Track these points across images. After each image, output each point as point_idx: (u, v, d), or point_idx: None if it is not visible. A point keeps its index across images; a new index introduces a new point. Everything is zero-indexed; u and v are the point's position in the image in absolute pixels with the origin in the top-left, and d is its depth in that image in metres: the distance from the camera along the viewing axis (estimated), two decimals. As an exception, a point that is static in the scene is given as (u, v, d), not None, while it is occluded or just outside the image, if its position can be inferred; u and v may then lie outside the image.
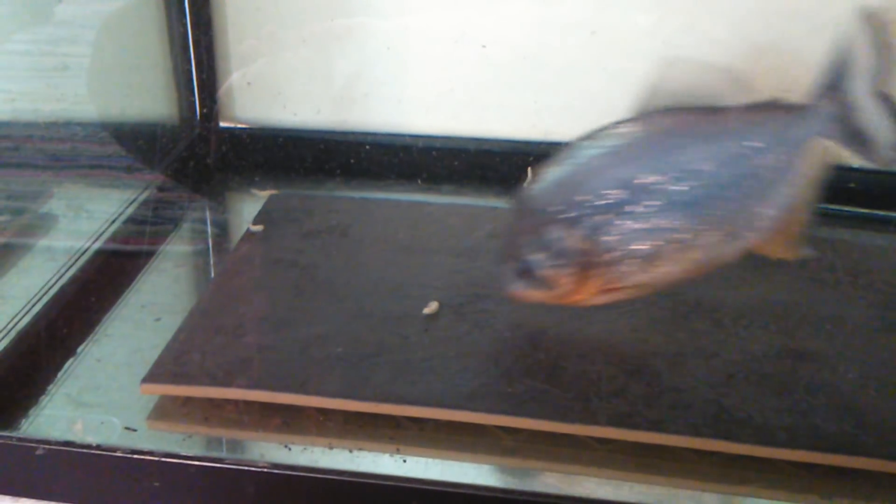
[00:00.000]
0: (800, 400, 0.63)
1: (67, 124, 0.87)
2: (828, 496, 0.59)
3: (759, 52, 0.92)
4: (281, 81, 0.99)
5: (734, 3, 0.91)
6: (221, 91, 0.98)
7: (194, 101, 0.97)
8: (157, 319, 0.74)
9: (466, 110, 0.99)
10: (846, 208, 0.94)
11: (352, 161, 1.00)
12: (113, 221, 0.84)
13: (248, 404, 0.64)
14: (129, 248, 0.84)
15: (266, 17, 0.97)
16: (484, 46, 0.95)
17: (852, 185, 0.94)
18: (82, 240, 0.81)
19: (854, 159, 0.92)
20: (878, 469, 0.59)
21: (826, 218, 0.92)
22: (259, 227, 0.84)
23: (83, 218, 0.86)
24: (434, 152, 0.99)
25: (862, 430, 0.60)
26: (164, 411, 0.64)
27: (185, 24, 0.94)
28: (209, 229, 0.91)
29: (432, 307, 0.71)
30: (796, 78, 0.91)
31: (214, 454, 0.59)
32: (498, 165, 0.99)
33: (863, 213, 0.94)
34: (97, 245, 0.81)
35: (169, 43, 0.95)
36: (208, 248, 0.87)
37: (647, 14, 0.92)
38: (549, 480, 0.60)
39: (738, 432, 0.60)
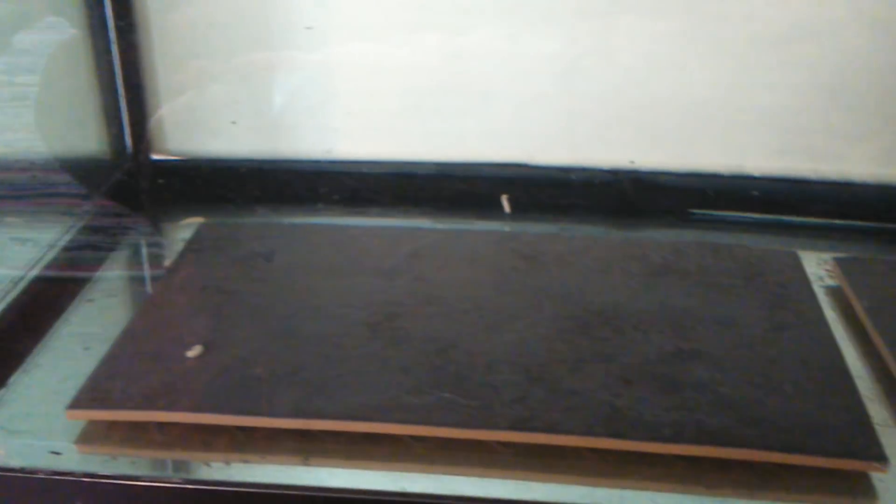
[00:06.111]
0: (687, 398, 0.67)
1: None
2: (712, 487, 0.63)
3: (660, 75, 0.97)
4: (210, 113, 1.03)
5: (640, 29, 0.96)
6: (150, 124, 1.01)
7: (124, 135, 1.00)
8: (87, 348, 0.77)
9: (390, 136, 1.03)
10: (749, 215, 0.99)
11: (281, 189, 1.04)
12: (44, 254, 0.87)
13: (170, 425, 0.67)
14: (62, 276, 0.87)
15: (193, 52, 1.01)
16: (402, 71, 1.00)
17: (755, 192, 1.00)
18: (14, 270, 0.84)
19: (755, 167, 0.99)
20: (757, 459, 0.63)
21: (728, 225, 0.98)
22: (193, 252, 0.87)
23: (14, 248, 0.89)
24: (360, 177, 1.03)
25: (743, 423, 0.65)
26: (91, 435, 0.68)
27: (112, 60, 0.97)
28: (141, 259, 0.94)
29: (196, 350, 0.73)
30: (701, 101, 0.97)
31: (131, 472, 0.62)
32: (421, 188, 1.03)
33: (765, 219, 0.99)
34: (30, 274, 0.84)
35: (97, 77, 0.98)
36: (138, 277, 0.91)
37: (555, 40, 0.97)
38: (457, 484, 0.64)
39: (628, 430, 0.64)
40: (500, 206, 1.02)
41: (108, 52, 0.98)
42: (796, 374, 0.70)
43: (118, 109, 1.00)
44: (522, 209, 1.02)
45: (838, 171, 0.99)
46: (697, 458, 0.64)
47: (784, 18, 0.93)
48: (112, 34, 0.97)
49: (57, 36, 0.95)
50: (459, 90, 1.00)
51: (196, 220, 0.98)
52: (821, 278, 0.89)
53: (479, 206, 1.03)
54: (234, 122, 1.02)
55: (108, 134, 1.01)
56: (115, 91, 0.99)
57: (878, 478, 0.64)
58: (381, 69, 1.00)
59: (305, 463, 0.65)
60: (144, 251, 0.96)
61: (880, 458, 0.62)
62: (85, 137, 1.00)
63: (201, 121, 1.03)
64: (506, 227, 0.99)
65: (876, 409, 0.71)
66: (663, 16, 0.94)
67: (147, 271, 0.92)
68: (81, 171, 0.97)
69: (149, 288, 0.88)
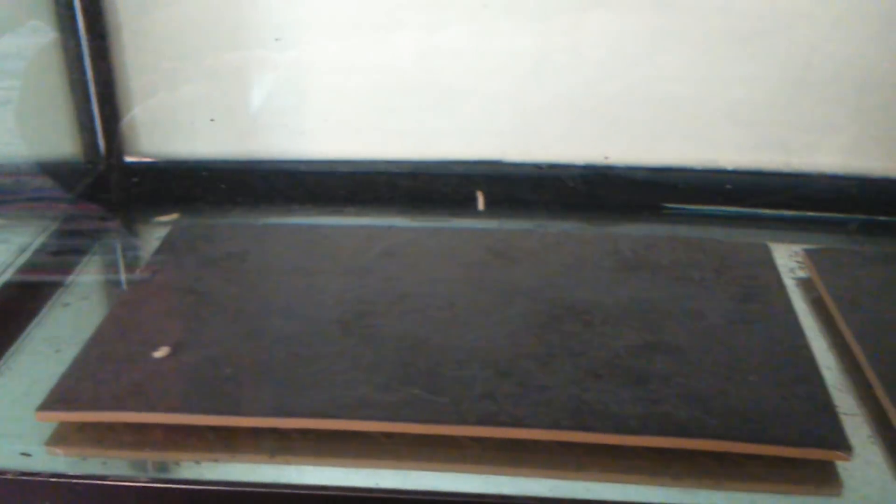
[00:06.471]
0: (654, 390, 0.68)
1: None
2: (678, 477, 0.63)
3: (630, 71, 0.98)
4: (183, 114, 1.03)
5: (610, 24, 0.96)
6: (121, 126, 1.02)
7: (97, 138, 1.01)
8: (58, 350, 0.77)
9: (363, 135, 1.04)
10: (722, 208, 1.00)
11: (255, 189, 1.04)
12: (17, 257, 0.87)
13: (139, 426, 0.67)
14: (37, 279, 0.87)
15: (165, 53, 1.01)
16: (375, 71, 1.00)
17: (728, 186, 1.00)
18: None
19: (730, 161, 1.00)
20: (721, 449, 0.64)
21: (702, 218, 0.99)
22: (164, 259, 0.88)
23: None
24: (334, 177, 1.03)
25: (708, 414, 0.65)
26: (62, 437, 0.68)
27: (83, 62, 0.98)
28: (116, 261, 0.94)
29: (163, 351, 0.73)
30: (672, 95, 0.98)
31: (99, 472, 0.63)
32: (396, 186, 1.03)
33: (738, 212, 1.00)
34: (4, 277, 0.85)
35: (69, 80, 0.98)
36: (112, 280, 0.91)
37: (526, 37, 0.97)
38: (428, 479, 0.64)
39: (594, 423, 0.65)
40: (475, 204, 1.02)
41: (80, 54, 0.98)
42: (763, 364, 0.71)
43: (90, 112, 1.00)
44: (497, 206, 1.03)
45: (810, 164, 0.99)
46: (664, 449, 0.65)
47: (752, 12, 0.93)
48: (83, 36, 0.97)
49: (38, 40, 0.95)
50: (432, 88, 1.00)
51: (171, 217, 0.99)
52: (792, 270, 0.89)
53: (453, 204, 1.03)
54: (212, 120, 1.02)
55: (80, 136, 1.01)
56: (87, 93, 0.99)
57: (842, 466, 0.64)
58: (353, 68, 1.00)
59: (276, 461, 0.65)
60: (119, 253, 0.96)
61: (844, 446, 0.63)
62: (58, 140, 1.00)
63: (174, 122, 1.03)
64: (480, 224, 1.00)
65: (844, 399, 0.72)
66: (632, 11, 0.95)
67: (121, 273, 0.92)
68: (55, 173, 0.97)
69: (122, 290, 0.88)
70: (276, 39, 0.97)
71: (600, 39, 0.97)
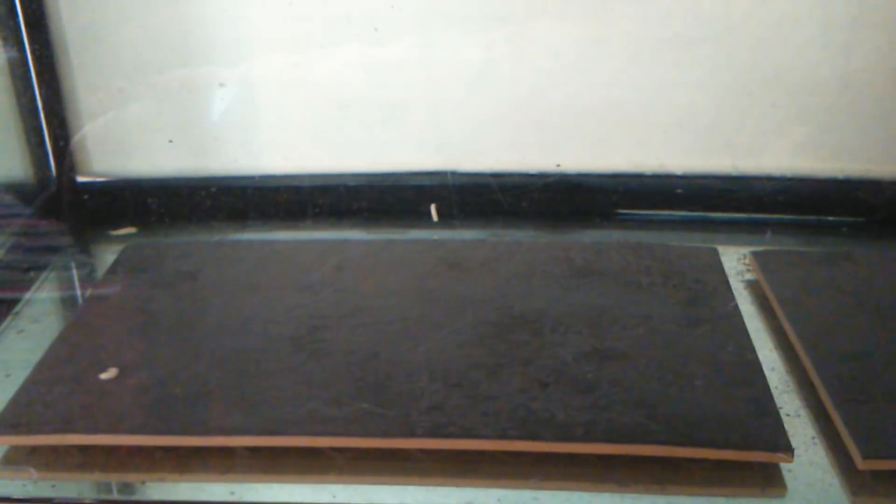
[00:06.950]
0: (600, 397, 0.69)
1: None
2: (624, 483, 0.64)
3: (578, 79, 0.99)
4: (135, 133, 1.03)
5: (555, 33, 0.97)
6: (71, 145, 1.01)
7: (48, 158, 1.00)
8: (8, 375, 0.77)
9: (316, 149, 1.04)
10: (674, 212, 1.01)
11: (211, 206, 1.04)
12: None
13: (90, 448, 0.67)
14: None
15: (114, 72, 1.00)
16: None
17: (678, 190, 1.01)
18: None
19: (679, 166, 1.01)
20: (665, 455, 0.65)
21: (654, 224, 1.00)
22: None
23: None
24: (287, 191, 1.04)
25: (653, 420, 0.66)
26: (12, 460, 0.68)
27: (30, 82, 0.97)
28: (67, 281, 0.94)
29: (111, 372, 0.73)
30: (620, 102, 0.99)
31: (49, 495, 0.63)
32: (351, 199, 1.04)
33: (690, 216, 1.01)
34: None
35: (17, 100, 0.98)
36: (65, 300, 0.91)
37: (473, 48, 0.98)
38: (379, 493, 0.65)
39: (541, 432, 0.66)
40: (429, 215, 1.03)
41: (27, 74, 0.97)
42: (707, 368, 0.72)
43: (41, 133, 0.99)
44: (451, 217, 1.03)
45: (756, 166, 1.01)
46: (609, 455, 0.65)
47: (695, 18, 0.95)
48: (29, 57, 0.97)
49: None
50: (382, 102, 1.01)
51: (127, 231, 0.99)
52: (740, 273, 0.91)
53: (408, 216, 1.03)
54: (171, 141, 1.02)
55: (31, 158, 1.00)
56: (37, 114, 0.99)
57: (787, 468, 0.65)
58: (303, 83, 1.00)
59: (227, 479, 0.65)
60: (72, 273, 0.96)
61: (786, 448, 0.64)
62: (7, 162, 0.99)
63: (125, 141, 1.03)
64: (435, 235, 1.00)
65: (788, 399, 0.73)
66: (577, 20, 0.96)
67: (75, 292, 0.92)
68: (5, 195, 0.97)
69: (73, 311, 0.88)
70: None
71: (546, 48, 0.98)
